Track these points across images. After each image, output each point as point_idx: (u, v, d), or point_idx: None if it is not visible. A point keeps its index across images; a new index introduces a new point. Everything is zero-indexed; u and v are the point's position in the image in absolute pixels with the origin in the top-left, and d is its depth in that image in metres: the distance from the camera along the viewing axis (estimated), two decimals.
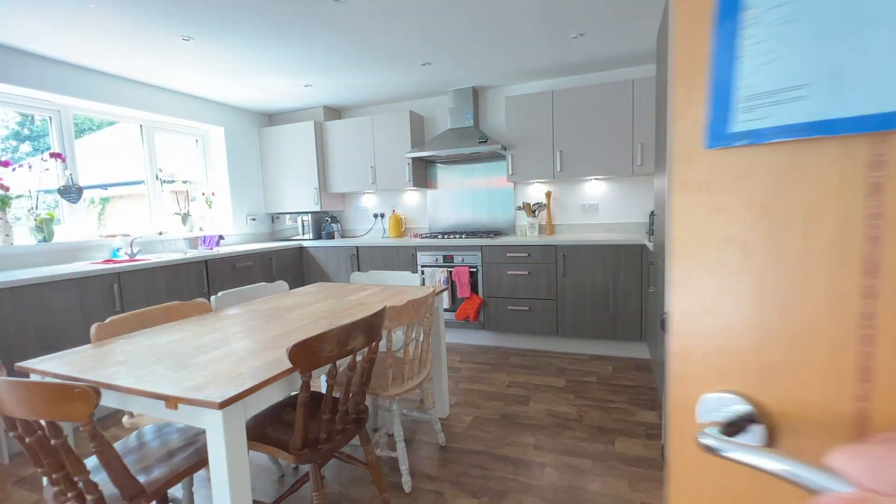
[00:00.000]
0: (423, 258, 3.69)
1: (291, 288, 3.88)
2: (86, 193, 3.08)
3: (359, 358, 1.46)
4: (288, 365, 1.20)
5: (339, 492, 1.82)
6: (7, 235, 2.62)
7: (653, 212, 3.24)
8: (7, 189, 2.62)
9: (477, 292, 3.53)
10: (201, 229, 3.95)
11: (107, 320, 1.60)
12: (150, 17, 2.32)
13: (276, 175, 4.45)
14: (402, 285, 2.45)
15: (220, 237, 3.59)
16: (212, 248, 3.53)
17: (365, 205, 4.60)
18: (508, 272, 3.42)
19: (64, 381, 1.09)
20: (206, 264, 3.16)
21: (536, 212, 3.82)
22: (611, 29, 2.74)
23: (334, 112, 4.51)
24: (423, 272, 3.68)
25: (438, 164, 4.21)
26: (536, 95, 3.48)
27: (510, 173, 3.62)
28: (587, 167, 3.40)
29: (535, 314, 3.38)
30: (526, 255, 3.35)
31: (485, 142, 3.53)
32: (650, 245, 2.68)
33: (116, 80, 3.19)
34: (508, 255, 3.40)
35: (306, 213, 4.43)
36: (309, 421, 1.47)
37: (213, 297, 2.01)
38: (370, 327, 1.38)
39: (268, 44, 2.74)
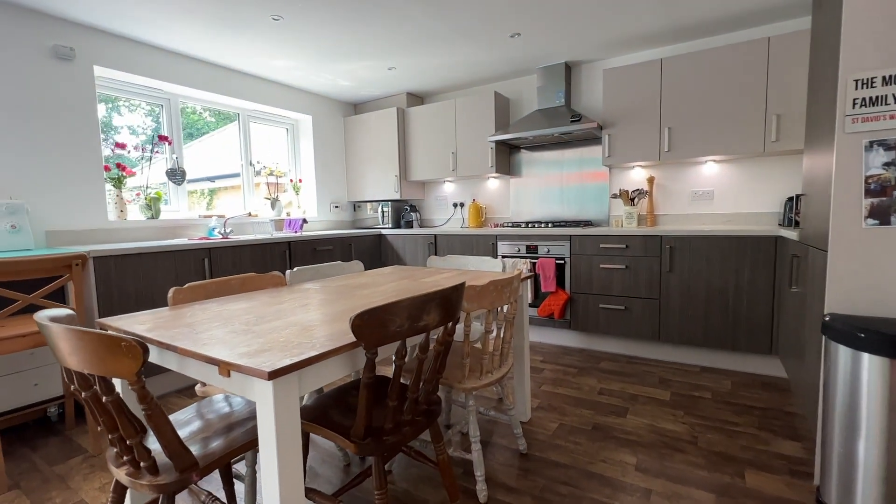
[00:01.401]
0: (503, 248, 3.43)
1: (367, 270, 3.91)
2: (195, 185, 3.31)
3: (433, 338, 1.25)
4: (352, 338, 1.02)
5: (406, 491, 1.64)
6: (122, 211, 2.85)
7: (797, 196, 2.65)
8: (124, 169, 2.86)
9: (563, 287, 3.18)
10: (288, 214, 4.08)
11: (185, 286, 1.58)
12: None
13: (358, 163, 4.48)
14: (482, 270, 2.22)
15: (304, 221, 3.66)
16: (296, 231, 3.61)
17: (444, 194, 4.45)
18: (601, 266, 3.02)
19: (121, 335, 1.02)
20: (289, 245, 3.21)
21: (636, 200, 3.36)
22: None
23: (417, 98, 4.42)
24: (503, 263, 3.41)
25: (524, 150, 3.92)
26: (641, 66, 3.04)
27: (606, 155, 3.22)
28: (703, 146, 2.89)
29: (631, 315, 2.95)
30: (623, 246, 2.93)
31: (577, 120, 3.17)
32: (792, 234, 2.15)
33: (215, 68, 3.37)
34: (602, 246, 3.00)
35: (386, 201, 4.39)
36: (374, 407, 1.29)
37: (288, 272, 1.94)
38: (447, 302, 1.16)
39: (353, 20, 2.68)
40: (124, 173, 2.87)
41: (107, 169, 2.79)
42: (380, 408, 1.31)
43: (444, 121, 3.96)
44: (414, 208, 4.42)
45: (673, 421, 2.09)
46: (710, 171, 3.18)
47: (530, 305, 3.29)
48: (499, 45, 3.14)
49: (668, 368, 2.77)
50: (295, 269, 2.01)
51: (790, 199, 2.72)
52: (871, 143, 1.43)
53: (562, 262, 3.17)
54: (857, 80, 1.43)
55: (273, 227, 3.54)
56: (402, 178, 4.23)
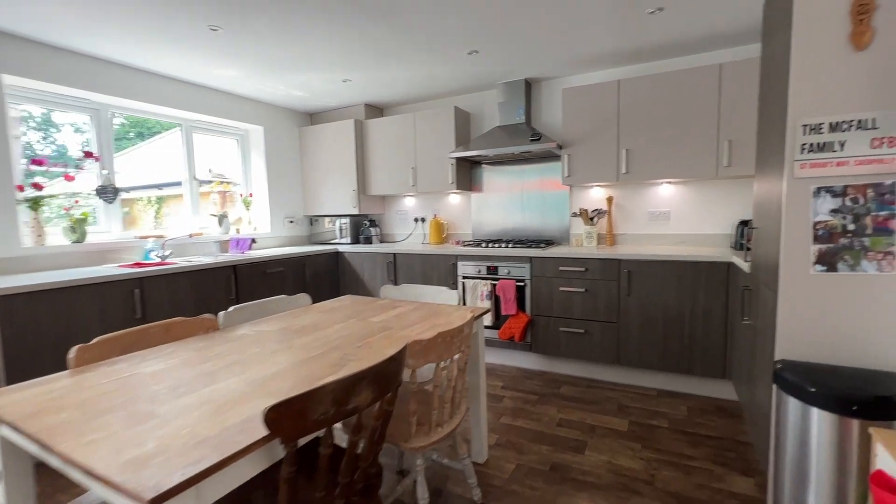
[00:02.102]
0: (464, 268, 3.34)
1: (319, 299, 3.71)
2: (142, 193, 3.04)
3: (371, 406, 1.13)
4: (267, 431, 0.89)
5: None
6: (39, 236, 2.56)
7: (747, 223, 2.69)
8: (40, 188, 2.57)
9: (524, 309, 3.12)
10: (238, 231, 3.84)
11: (92, 342, 1.39)
12: (172, 5, 2.15)
13: (315, 176, 4.28)
14: (437, 304, 2.11)
15: (253, 240, 3.43)
16: (243, 252, 3.39)
17: (405, 208, 4.32)
18: (561, 288, 2.98)
19: None
20: (235, 269, 3.00)
21: (595, 219, 3.35)
22: (697, 0, 2.25)
23: (376, 110, 4.27)
24: (463, 284, 3.33)
25: (485, 165, 3.85)
26: (599, 86, 3.02)
27: (566, 175, 3.19)
28: (659, 169, 2.90)
29: (591, 338, 2.92)
30: (583, 269, 2.90)
31: (537, 139, 3.13)
32: (743, 265, 2.16)
33: (155, 77, 3.11)
34: (562, 268, 2.97)
35: (344, 216, 4.22)
36: (303, 489, 1.16)
37: (221, 314, 1.77)
38: (382, 377, 1.04)
39: (299, 32, 2.51)
40: (40, 192, 2.58)
41: (20, 189, 2.50)
42: (311, 487, 1.18)
43: (403, 134, 3.84)
44: (374, 223, 4.27)
45: (631, 456, 2.05)
46: (666, 192, 3.21)
47: (491, 328, 3.22)
48: (457, 61, 3.05)
49: (626, 393, 2.76)
50: (231, 308, 1.84)
51: (742, 222, 2.77)
52: (819, 189, 1.42)
53: (522, 284, 3.11)
54: (804, 126, 1.42)
55: (218, 249, 3.30)
56: (361, 193, 4.07)
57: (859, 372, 1.36)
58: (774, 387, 1.48)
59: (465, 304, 3.32)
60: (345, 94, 3.77)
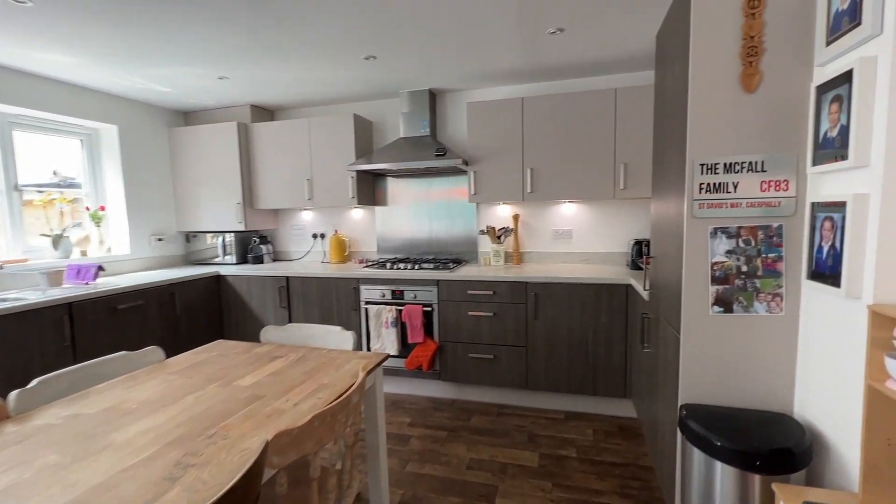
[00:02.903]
0: (367, 293, 3.04)
1: (194, 338, 3.08)
2: None
3: None
4: None
5: None
6: None
7: (641, 242, 2.78)
8: None
9: (432, 336, 2.93)
10: (84, 253, 3.11)
11: None
12: None
13: (191, 185, 3.66)
14: (327, 349, 1.81)
15: (100, 267, 2.77)
16: (87, 283, 2.72)
17: (302, 223, 3.89)
18: (470, 313, 2.84)
19: None
20: (71, 308, 2.37)
21: (502, 237, 3.28)
22: (595, 24, 2.24)
23: (265, 112, 3.79)
24: (366, 311, 3.03)
25: (389, 178, 3.59)
26: (503, 102, 2.94)
27: (472, 193, 3.06)
28: (562, 189, 2.89)
29: (500, 363, 2.82)
30: (491, 293, 2.79)
31: (442, 155, 2.95)
32: (643, 292, 2.18)
33: None
34: (470, 292, 2.82)
35: (228, 232, 3.67)
36: None
37: (12, 395, 1.28)
38: None
39: (151, 18, 2.02)
40: None
41: None
42: None
43: (297, 142, 3.42)
44: (265, 239, 3.78)
45: (542, 498, 1.95)
46: (568, 211, 3.24)
47: (397, 357, 2.97)
48: (354, 65, 2.75)
49: (536, 419, 2.70)
50: (33, 383, 1.35)
51: (637, 242, 2.86)
52: (716, 230, 1.40)
53: (430, 309, 2.91)
54: (702, 165, 1.39)
55: (47, 282, 2.59)
56: (248, 206, 3.56)
57: (757, 416, 1.36)
58: (679, 434, 1.45)
59: (367, 333, 3.03)
60: (223, 92, 3.25)
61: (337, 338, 1.92)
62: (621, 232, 3.14)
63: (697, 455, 1.33)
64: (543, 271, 2.84)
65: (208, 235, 3.87)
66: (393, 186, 3.59)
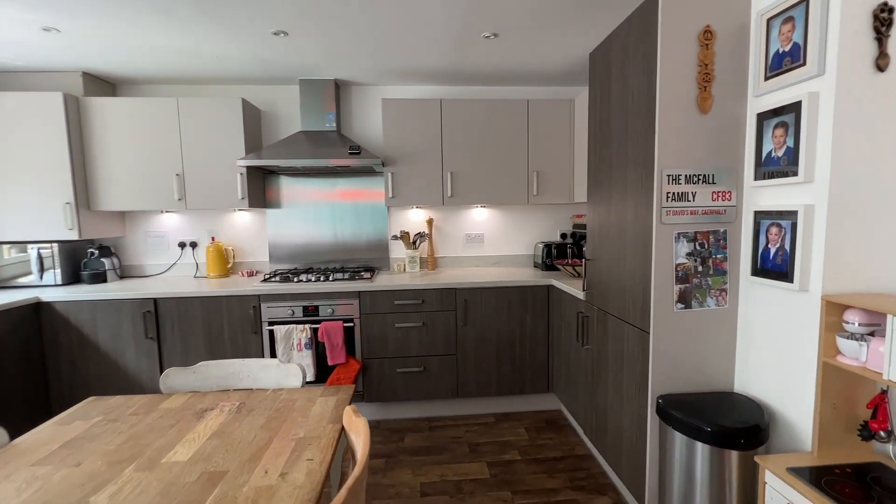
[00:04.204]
0: (270, 311, 2.57)
1: (26, 425, 2.17)
2: None
3: None
4: None
5: None
6: None
7: (551, 247, 2.97)
8: None
9: (354, 355, 2.63)
10: None
11: None
12: None
13: None
14: (270, 391, 1.44)
15: None
16: None
17: (162, 229, 3.10)
18: (397, 325, 2.64)
19: None
20: None
21: (417, 242, 3.15)
22: (528, 35, 2.30)
23: (104, 85, 2.90)
24: (272, 332, 2.56)
25: (283, 177, 3.11)
26: (422, 103, 2.82)
27: (390, 196, 2.86)
28: (481, 194, 2.92)
29: (430, 374, 2.70)
30: (420, 301, 2.64)
31: (357, 153, 2.68)
32: (577, 293, 2.32)
33: None
34: (398, 302, 2.62)
35: (47, 242, 2.70)
36: None
37: None
38: None
39: None
40: None
41: None
42: None
43: (160, 127, 2.70)
44: (108, 251, 2.89)
45: None
46: (480, 215, 3.29)
47: (314, 383, 2.59)
48: (257, 40, 2.29)
49: (469, 426, 2.65)
50: None
51: (546, 244, 3.06)
52: (679, 235, 1.55)
53: (351, 324, 2.61)
54: (668, 175, 1.52)
55: None
56: (83, 207, 2.67)
57: (715, 398, 1.54)
58: (658, 420, 1.56)
59: (274, 356, 2.56)
60: (50, 50, 2.36)
61: (275, 374, 1.55)
62: (528, 235, 3.33)
63: (679, 439, 1.45)
64: (461, 276, 2.82)
65: (4, 247, 2.78)
66: (288, 186, 3.12)
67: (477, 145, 2.88)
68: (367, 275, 2.83)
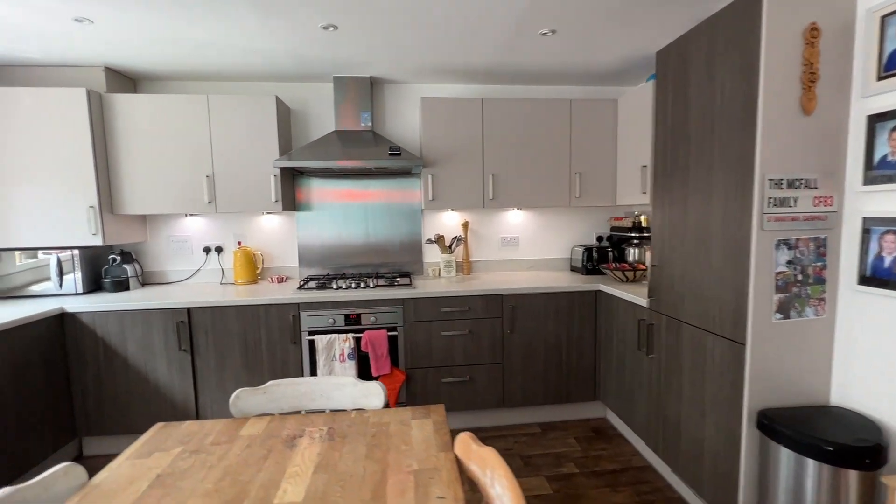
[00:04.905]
0: (310, 320, 2.45)
1: (25, 442, 2.01)
2: None
3: None
4: None
5: None
6: None
7: (591, 251, 2.89)
8: None
9: (398, 365, 2.52)
10: None
11: None
12: None
13: (4, 177, 2.40)
14: (352, 413, 1.33)
15: None
16: None
17: (185, 234, 2.94)
18: (443, 333, 2.53)
19: None
20: None
21: (453, 246, 3.05)
22: (589, 32, 2.21)
23: (125, 81, 2.74)
24: (312, 343, 2.44)
25: (313, 179, 2.98)
26: (462, 102, 2.72)
27: (430, 199, 2.75)
28: (522, 197, 2.83)
29: (476, 385, 2.60)
30: (466, 308, 2.54)
31: (397, 154, 2.57)
32: (640, 300, 2.25)
33: None
34: (443, 309, 2.52)
35: (67, 248, 2.53)
36: None
37: None
38: None
39: None
40: None
41: None
42: None
43: (190, 127, 2.55)
44: (129, 257, 2.73)
45: None
46: (515, 218, 3.20)
47: None
48: (302, 32, 2.16)
49: (516, 437, 2.56)
50: None
51: (587, 249, 2.98)
52: (780, 242, 1.48)
53: (394, 333, 2.49)
54: (770, 180, 1.45)
55: None
56: (106, 211, 2.51)
57: (815, 412, 1.47)
58: (758, 435, 1.49)
59: (313, 370, 2.43)
60: (75, 42, 2.20)
61: (350, 393, 1.44)
62: (563, 239, 3.25)
63: (787, 455, 1.38)
64: (503, 281, 2.73)
65: (17, 253, 2.60)
66: (319, 188, 2.99)
67: (518, 146, 2.79)
68: (406, 280, 2.72)
